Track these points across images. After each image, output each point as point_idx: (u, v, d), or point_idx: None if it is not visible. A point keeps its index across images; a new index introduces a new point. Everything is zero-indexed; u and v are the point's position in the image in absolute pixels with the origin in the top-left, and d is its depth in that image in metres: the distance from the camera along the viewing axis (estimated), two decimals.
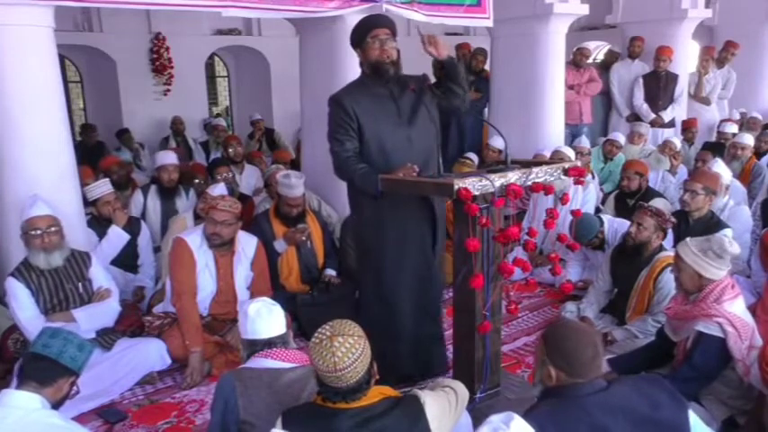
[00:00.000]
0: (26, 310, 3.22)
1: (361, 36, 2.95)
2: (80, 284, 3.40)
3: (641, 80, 7.21)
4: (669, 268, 3.11)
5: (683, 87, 7.27)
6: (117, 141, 8.10)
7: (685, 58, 7.46)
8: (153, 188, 4.92)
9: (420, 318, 3.18)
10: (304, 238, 4.18)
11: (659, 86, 7.17)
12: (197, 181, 5.07)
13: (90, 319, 3.35)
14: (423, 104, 3.01)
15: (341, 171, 3.01)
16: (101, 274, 3.52)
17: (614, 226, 4.30)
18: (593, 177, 5.53)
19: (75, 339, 2.20)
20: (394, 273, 3.08)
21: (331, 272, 4.36)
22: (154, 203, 4.84)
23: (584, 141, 6.14)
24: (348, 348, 1.78)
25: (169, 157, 5.02)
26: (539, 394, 1.98)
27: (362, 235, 3.22)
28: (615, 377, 1.97)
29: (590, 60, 7.93)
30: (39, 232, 3.26)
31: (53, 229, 3.30)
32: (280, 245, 4.17)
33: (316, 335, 1.83)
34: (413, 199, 3.00)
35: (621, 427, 1.78)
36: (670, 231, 3.91)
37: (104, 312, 3.44)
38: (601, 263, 4.05)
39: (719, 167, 4.71)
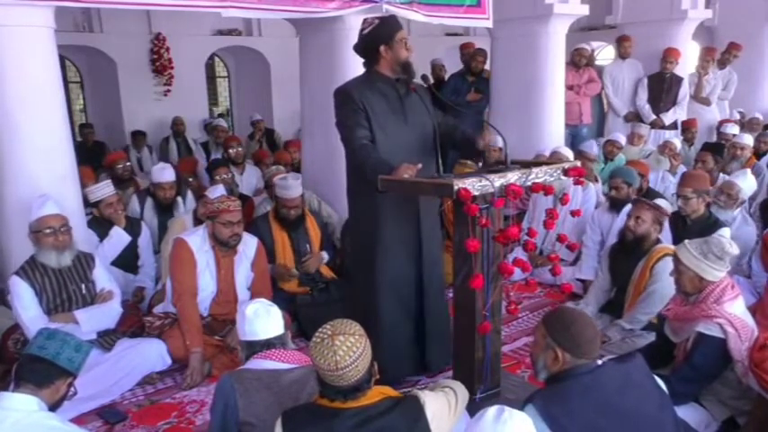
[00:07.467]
0: (29, 310, 3.23)
1: (389, 35, 2.91)
2: (83, 285, 3.41)
3: (646, 80, 7.20)
4: (667, 257, 3.11)
5: (686, 91, 7.25)
6: (117, 142, 8.11)
7: (685, 59, 7.43)
8: (149, 201, 4.77)
9: (403, 318, 3.10)
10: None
11: (663, 88, 7.15)
12: (189, 180, 5.06)
13: (92, 320, 3.36)
14: (423, 104, 3.01)
15: (354, 158, 2.93)
16: (104, 276, 3.53)
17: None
18: (598, 181, 5.48)
19: (73, 340, 2.19)
20: (385, 272, 3.04)
21: (324, 255, 4.31)
22: (150, 216, 4.74)
23: (593, 148, 5.85)
24: (349, 347, 1.79)
25: (165, 175, 4.72)
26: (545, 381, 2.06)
27: (357, 232, 3.20)
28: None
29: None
30: (51, 231, 3.28)
31: (65, 228, 3.33)
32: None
33: (317, 334, 1.84)
34: (404, 201, 2.97)
35: (631, 397, 1.92)
36: (668, 231, 3.92)
37: (106, 314, 3.45)
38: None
39: (745, 181, 4.40)
